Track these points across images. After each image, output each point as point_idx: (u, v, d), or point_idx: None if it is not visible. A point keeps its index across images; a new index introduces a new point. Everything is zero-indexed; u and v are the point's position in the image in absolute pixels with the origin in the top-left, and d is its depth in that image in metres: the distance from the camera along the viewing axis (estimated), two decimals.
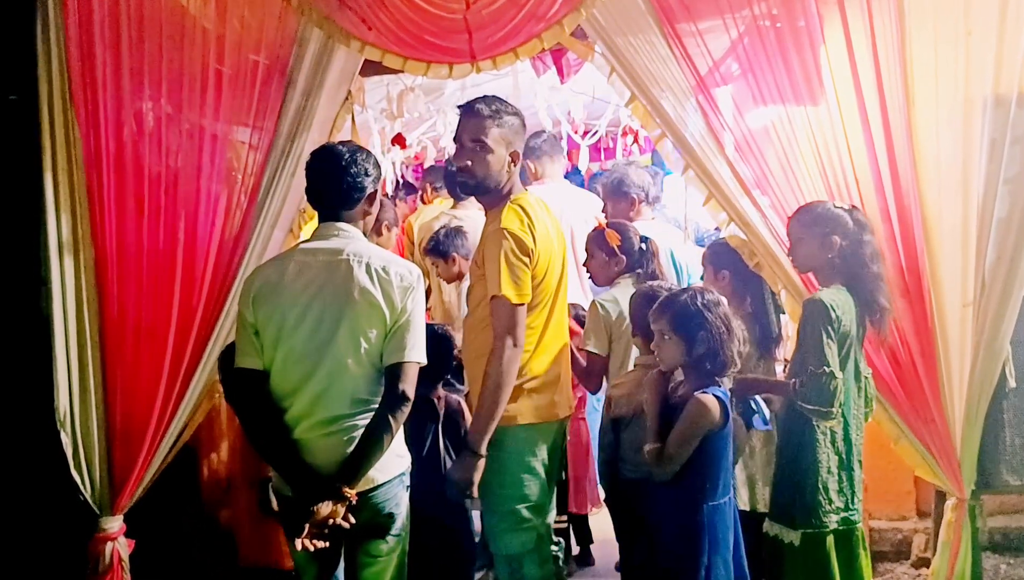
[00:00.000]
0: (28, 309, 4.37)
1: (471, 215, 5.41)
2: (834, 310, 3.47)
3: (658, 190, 5.09)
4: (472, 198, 5.45)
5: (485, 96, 3.74)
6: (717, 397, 3.21)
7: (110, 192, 4.31)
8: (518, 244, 3.36)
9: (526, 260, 3.37)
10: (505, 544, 3.46)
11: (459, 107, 3.68)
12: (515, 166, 3.56)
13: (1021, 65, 3.99)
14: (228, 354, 3.60)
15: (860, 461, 3.58)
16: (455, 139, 3.64)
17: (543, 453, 3.48)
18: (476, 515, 3.90)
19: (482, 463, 3.33)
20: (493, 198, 3.55)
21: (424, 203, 6.98)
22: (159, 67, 4.32)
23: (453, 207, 5.69)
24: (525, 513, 3.43)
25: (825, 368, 3.38)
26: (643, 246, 4.09)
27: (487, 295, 3.40)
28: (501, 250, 3.35)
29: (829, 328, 3.43)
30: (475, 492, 3.34)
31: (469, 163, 3.50)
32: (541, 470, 3.47)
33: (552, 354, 3.51)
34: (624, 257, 4.04)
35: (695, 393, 3.22)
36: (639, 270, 4.04)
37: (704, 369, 3.24)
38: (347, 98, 4.38)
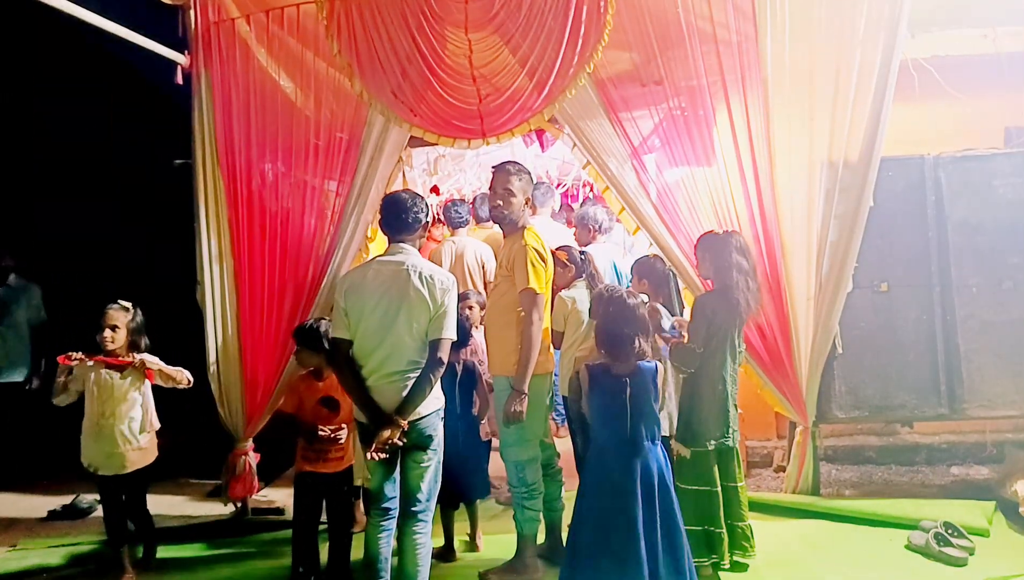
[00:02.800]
0: (189, 300, 4.40)
1: (461, 240, 5.37)
2: (708, 307, 3.43)
3: (610, 222, 5.05)
4: (465, 228, 5.44)
5: (511, 160, 3.69)
6: (587, 366, 2.99)
7: (244, 223, 4.34)
8: (539, 254, 3.38)
9: (543, 265, 3.39)
10: (515, 454, 3.44)
11: (493, 166, 3.61)
12: (527, 206, 3.54)
13: (846, 140, 4.04)
14: (299, 330, 3.59)
15: (735, 404, 3.47)
16: (490, 188, 3.56)
17: (543, 394, 3.49)
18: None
19: (526, 399, 3.30)
20: (512, 227, 3.50)
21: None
22: (276, 140, 4.35)
23: (452, 234, 5.57)
24: (528, 434, 3.44)
25: (692, 345, 3.36)
26: (582, 258, 4.10)
27: (510, 290, 3.40)
28: (527, 258, 3.34)
29: (703, 320, 3.40)
30: (524, 418, 3.30)
31: (500, 203, 3.45)
32: (542, 405, 3.49)
33: (545, 330, 3.53)
34: (573, 266, 4.05)
35: None
36: (584, 274, 4.05)
37: (602, 347, 2.99)
38: (399, 161, 4.36)
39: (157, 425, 3.70)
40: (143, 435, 3.62)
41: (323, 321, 3.57)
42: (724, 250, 3.47)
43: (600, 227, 5.01)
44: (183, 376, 3.69)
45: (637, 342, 2.89)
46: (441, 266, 4.89)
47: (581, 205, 6.11)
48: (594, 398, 2.95)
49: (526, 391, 3.32)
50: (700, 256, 3.65)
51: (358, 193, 4.29)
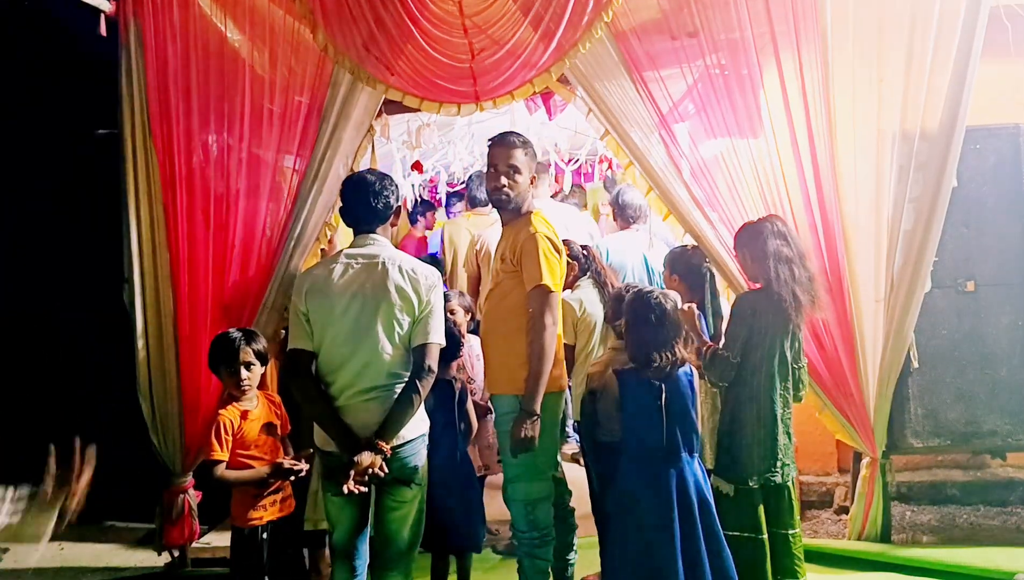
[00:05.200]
0: (113, 301, 4.33)
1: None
2: (748, 307, 3.42)
3: (646, 209, 5.05)
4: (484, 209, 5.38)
5: (511, 131, 3.68)
6: (617, 372, 3.23)
7: (182, 208, 4.27)
8: (552, 244, 3.35)
9: (558, 256, 3.36)
10: (525, 491, 3.38)
11: (490, 139, 3.58)
12: (533, 186, 3.52)
13: (922, 106, 4.03)
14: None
15: (788, 433, 3.42)
16: (488, 165, 3.53)
17: (556, 416, 3.46)
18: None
19: (539, 422, 3.26)
20: (516, 213, 3.47)
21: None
22: (222, 106, 4.29)
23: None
24: (541, 466, 3.39)
25: (726, 353, 3.36)
26: (584, 253, 4.07)
27: (515, 288, 3.36)
28: (539, 249, 3.30)
29: (742, 323, 3.39)
30: (536, 445, 3.27)
31: (505, 183, 3.42)
32: (554, 430, 3.45)
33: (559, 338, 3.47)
34: (576, 262, 4.02)
35: None
36: (588, 272, 4.03)
37: (632, 353, 3.22)
38: (369, 130, 4.33)
39: None
40: None
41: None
42: (758, 239, 3.46)
43: (638, 214, 5.00)
44: None
45: (673, 348, 3.10)
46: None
47: (604, 186, 6.09)
48: (626, 406, 3.18)
49: (539, 412, 3.26)
50: (740, 254, 3.64)
51: (317, 169, 4.26)
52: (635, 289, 3.36)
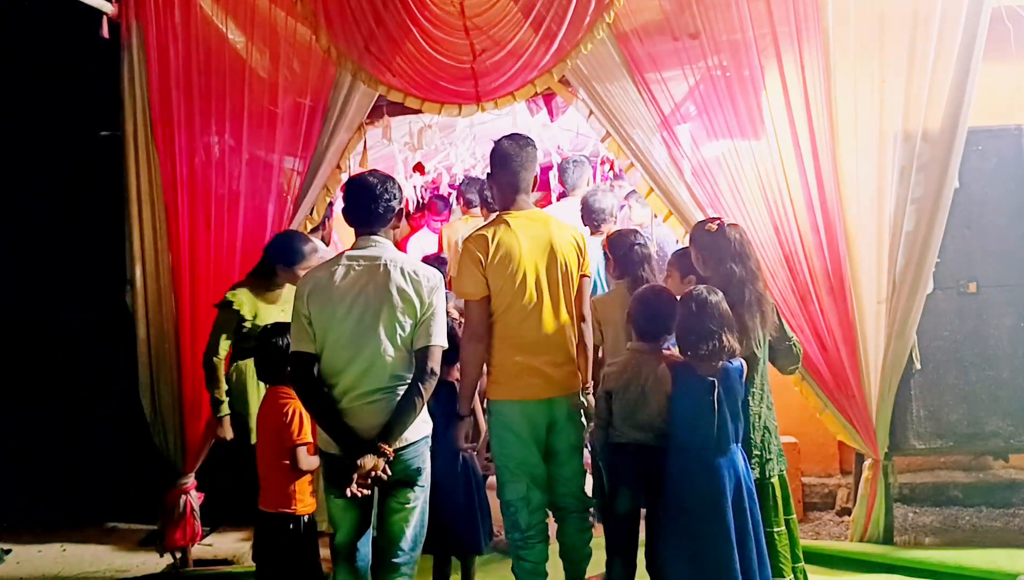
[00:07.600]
0: (114, 301, 4.40)
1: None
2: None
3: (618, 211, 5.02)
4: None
5: (511, 134, 3.59)
6: (673, 365, 3.25)
7: (184, 210, 4.32)
8: (467, 253, 3.40)
9: (473, 265, 3.36)
10: (503, 492, 3.46)
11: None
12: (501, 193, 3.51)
13: (924, 107, 4.04)
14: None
15: (766, 427, 3.37)
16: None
17: (522, 423, 3.40)
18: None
19: (464, 425, 3.43)
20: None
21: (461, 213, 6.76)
22: (224, 108, 4.33)
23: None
24: (514, 469, 3.42)
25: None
26: (637, 247, 3.82)
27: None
28: (459, 258, 3.45)
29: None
30: (461, 444, 3.45)
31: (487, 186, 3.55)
32: (521, 436, 3.40)
33: (525, 346, 3.38)
34: (615, 260, 3.86)
35: None
36: (629, 274, 3.78)
37: (685, 348, 3.25)
38: (360, 127, 4.37)
39: None
40: None
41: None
42: (719, 255, 3.38)
43: (603, 219, 4.94)
44: None
45: (724, 339, 3.13)
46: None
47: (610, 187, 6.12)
48: (679, 399, 3.23)
49: (464, 414, 3.43)
50: (695, 256, 3.53)
51: (315, 169, 4.32)
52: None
